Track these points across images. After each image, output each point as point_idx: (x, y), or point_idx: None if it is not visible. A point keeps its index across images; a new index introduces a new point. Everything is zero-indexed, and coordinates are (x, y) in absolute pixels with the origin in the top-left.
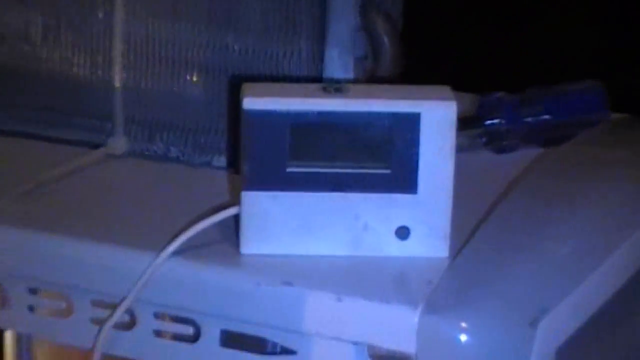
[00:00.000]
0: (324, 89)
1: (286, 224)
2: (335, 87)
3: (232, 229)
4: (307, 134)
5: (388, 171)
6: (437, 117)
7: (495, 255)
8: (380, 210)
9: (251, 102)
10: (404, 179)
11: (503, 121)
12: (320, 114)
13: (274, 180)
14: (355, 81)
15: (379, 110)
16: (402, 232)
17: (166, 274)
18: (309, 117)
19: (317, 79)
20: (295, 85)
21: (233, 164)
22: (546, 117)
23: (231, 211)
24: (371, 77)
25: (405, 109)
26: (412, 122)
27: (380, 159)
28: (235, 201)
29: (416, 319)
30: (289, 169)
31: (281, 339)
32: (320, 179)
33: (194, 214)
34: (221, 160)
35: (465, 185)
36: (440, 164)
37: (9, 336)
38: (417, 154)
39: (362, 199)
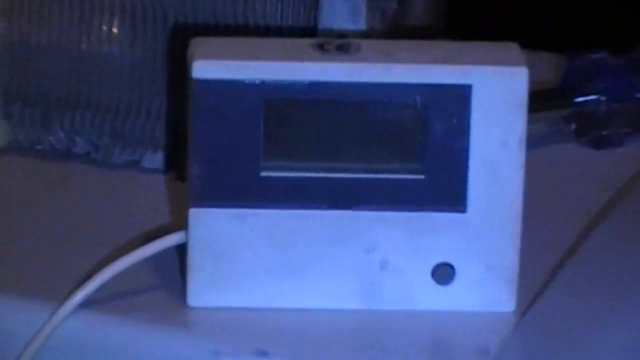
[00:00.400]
0: (320, 47)
1: (259, 260)
2: (337, 44)
3: (175, 268)
4: (292, 118)
5: (420, 176)
6: (498, 91)
7: (586, 312)
8: (408, 239)
9: (203, 68)
10: (445, 188)
11: (603, 97)
12: (313, 85)
13: (241, 190)
14: (369, 35)
15: (407, 80)
16: (443, 273)
17: (70, 335)
18: (295, 90)
19: (311, 31)
20: (275, 41)
21: (174, 166)
22: None
23: (172, 240)
24: (395, 29)
25: (448, 79)
26: (458, 99)
27: (407, 158)
28: (180, 225)
29: None
30: (263, 173)
31: None
32: (312, 188)
33: (112, 244)
34: (155, 160)
35: (544, 198)
36: (504, 165)
37: None
38: (466, 150)
39: (378, 220)
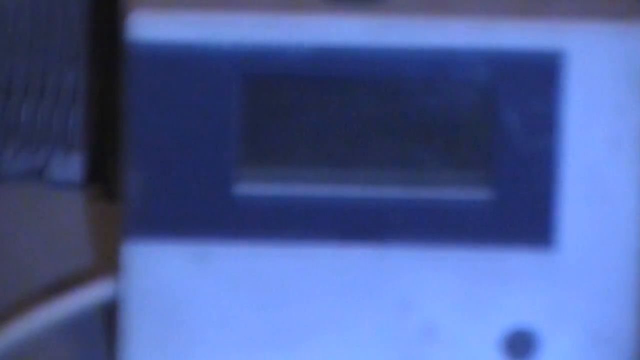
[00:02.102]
0: None
1: (229, 324)
2: None
3: (95, 335)
4: (285, 105)
5: (484, 195)
6: (605, 61)
7: None
8: (465, 292)
9: (146, 24)
10: (522, 213)
11: None
12: (318, 53)
13: (202, 217)
14: None
15: (462, 44)
16: (520, 345)
17: None
18: (290, 60)
19: None
20: None
21: (96, 176)
22: None
23: (93, 293)
24: None
25: (528, 43)
26: (544, 74)
27: (464, 167)
28: (105, 268)
29: None
30: (237, 190)
31: None
32: (315, 213)
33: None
34: (68, 167)
35: None
36: (613, 177)
37: None
38: (555, 153)
39: (418, 262)
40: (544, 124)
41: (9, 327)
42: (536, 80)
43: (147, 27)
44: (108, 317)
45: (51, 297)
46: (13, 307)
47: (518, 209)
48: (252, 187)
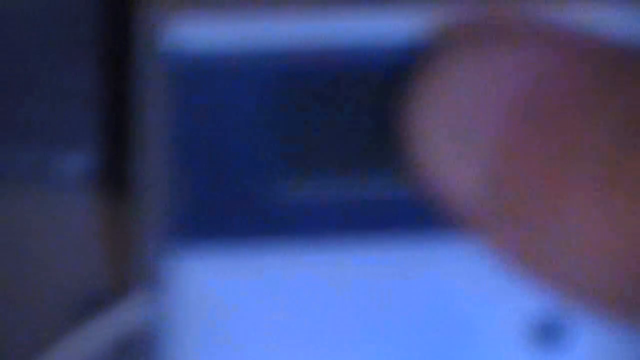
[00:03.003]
0: None
1: (280, 336)
2: None
3: None
4: (334, 108)
5: None
6: None
7: None
8: (496, 280)
9: (191, 32)
10: None
11: None
12: (362, 53)
13: (247, 224)
14: None
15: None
16: (550, 332)
17: None
18: (332, 65)
19: None
20: None
21: (99, 177)
22: None
23: (116, 321)
24: None
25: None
26: None
27: None
28: (122, 287)
29: None
30: (284, 198)
31: None
32: (361, 215)
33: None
34: (69, 168)
35: None
36: None
37: None
38: None
39: (446, 255)
40: None
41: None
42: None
43: (192, 37)
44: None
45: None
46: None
47: None
48: (297, 194)
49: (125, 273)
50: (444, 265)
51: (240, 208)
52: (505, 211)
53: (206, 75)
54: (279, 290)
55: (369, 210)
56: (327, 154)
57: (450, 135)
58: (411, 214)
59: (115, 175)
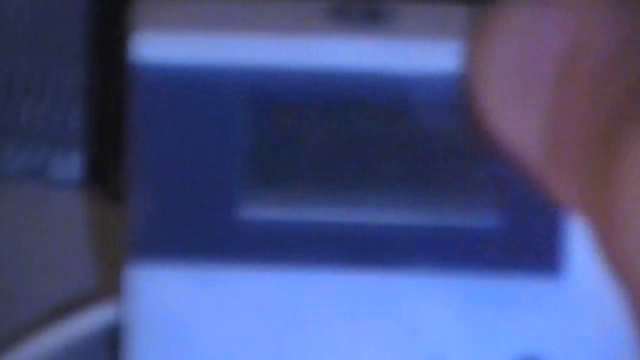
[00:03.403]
0: (340, 14)
1: (233, 348)
2: (364, 10)
3: None
4: (292, 128)
5: (494, 221)
6: None
7: None
8: (472, 320)
9: (152, 44)
10: (533, 240)
11: None
12: (325, 75)
13: (208, 239)
14: None
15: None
16: None
17: None
18: (297, 83)
19: None
20: (268, 6)
21: (97, 177)
22: None
23: (91, 320)
24: None
25: None
26: None
27: (473, 190)
28: (105, 291)
29: None
30: (243, 213)
31: None
32: (322, 238)
33: None
34: (69, 168)
35: None
36: None
37: None
38: None
39: (424, 289)
40: None
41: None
42: None
43: (152, 48)
44: (111, 341)
45: (52, 320)
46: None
47: (527, 235)
48: (258, 211)
49: (115, 277)
50: (425, 299)
51: (200, 223)
52: (563, 160)
53: (169, 88)
54: (236, 306)
55: (331, 233)
56: (291, 171)
57: (511, 82)
58: (376, 240)
59: (105, 178)
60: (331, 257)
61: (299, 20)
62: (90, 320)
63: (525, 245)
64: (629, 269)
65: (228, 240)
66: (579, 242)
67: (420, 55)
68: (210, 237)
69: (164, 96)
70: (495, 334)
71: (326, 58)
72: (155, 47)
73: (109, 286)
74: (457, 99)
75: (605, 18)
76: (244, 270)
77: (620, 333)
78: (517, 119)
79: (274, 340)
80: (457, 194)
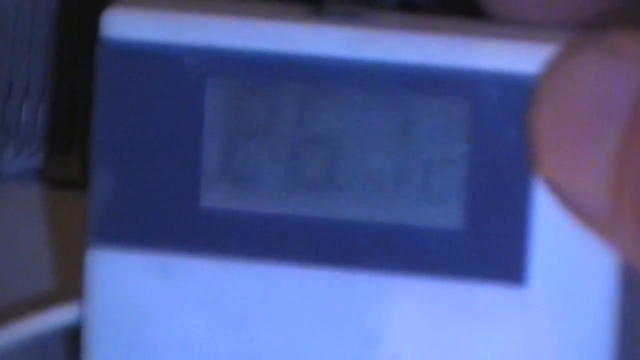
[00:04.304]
0: (317, 12)
1: (190, 339)
2: (343, 10)
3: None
4: (256, 115)
5: (456, 223)
6: None
7: None
8: (434, 325)
9: (118, 22)
10: (494, 244)
11: None
12: (295, 60)
13: (168, 227)
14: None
15: (442, 62)
16: None
17: None
18: (264, 66)
19: None
20: (247, 4)
21: (57, 170)
22: None
23: (56, 317)
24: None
25: (507, 65)
26: (518, 98)
27: (438, 192)
28: (66, 287)
29: None
30: (205, 203)
31: None
32: (283, 231)
33: None
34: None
35: None
36: None
37: None
38: (529, 185)
39: (386, 290)
40: (519, 152)
41: None
42: (512, 105)
43: (119, 26)
44: (73, 339)
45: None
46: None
47: (490, 241)
48: (220, 200)
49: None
50: (386, 301)
51: (161, 210)
52: (627, 213)
53: (131, 64)
54: (195, 295)
55: (293, 226)
56: (256, 161)
57: (570, 139)
58: (339, 235)
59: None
60: (292, 251)
61: (272, 11)
62: (49, 320)
63: (488, 252)
64: None
65: (189, 228)
66: (543, 250)
67: (391, 46)
68: (172, 224)
69: (127, 74)
70: (455, 339)
71: (296, 44)
72: (125, 26)
73: (69, 284)
74: (423, 92)
75: None
76: (203, 259)
77: (581, 343)
78: (579, 170)
79: (231, 329)
80: (422, 195)
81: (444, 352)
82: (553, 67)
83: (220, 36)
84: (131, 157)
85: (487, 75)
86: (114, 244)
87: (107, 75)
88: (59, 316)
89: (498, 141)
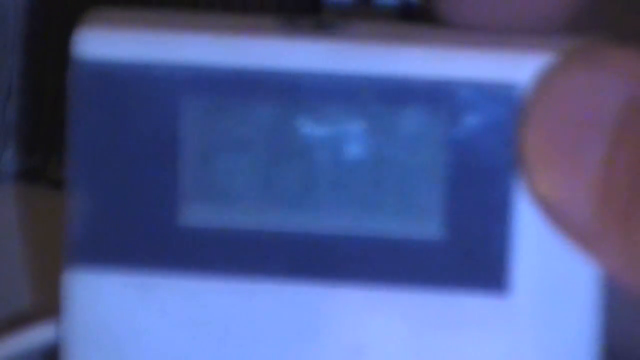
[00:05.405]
0: (289, 24)
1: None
2: (315, 22)
3: None
4: (233, 131)
5: (437, 235)
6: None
7: None
8: (415, 337)
9: (92, 41)
10: (476, 254)
11: None
12: (270, 76)
13: (146, 246)
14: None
15: (419, 72)
16: None
17: None
18: (240, 82)
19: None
20: (220, 17)
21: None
22: None
23: (32, 337)
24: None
25: (489, 73)
26: (501, 107)
27: (418, 203)
28: (47, 305)
29: None
30: (183, 221)
31: None
32: (263, 248)
33: None
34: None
35: None
36: None
37: None
38: (511, 190)
39: (367, 303)
40: (500, 162)
41: None
42: (492, 115)
43: (91, 45)
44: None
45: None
46: None
47: (471, 251)
48: (198, 218)
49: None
50: (368, 314)
51: (139, 229)
52: (613, 226)
53: (106, 87)
54: (174, 313)
55: (272, 242)
56: (232, 178)
57: (559, 150)
58: (318, 249)
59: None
60: (271, 267)
61: (245, 26)
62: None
63: (469, 261)
64: None
65: (167, 247)
66: (525, 259)
67: (365, 58)
68: (150, 243)
69: (103, 94)
70: (440, 350)
71: (270, 59)
72: (98, 45)
73: (48, 297)
74: (401, 105)
75: None
76: (183, 277)
77: (565, 351)
78: (567, 183)
79: (212, 347)
80: (401, 207)
81: None
82: (542, 83)
83: (193, 53)
84: (107, 176)
85: (464, 86)
86: (92, 264)
87: (80, 94)
88: (36, 335)
89: (477, 151)
